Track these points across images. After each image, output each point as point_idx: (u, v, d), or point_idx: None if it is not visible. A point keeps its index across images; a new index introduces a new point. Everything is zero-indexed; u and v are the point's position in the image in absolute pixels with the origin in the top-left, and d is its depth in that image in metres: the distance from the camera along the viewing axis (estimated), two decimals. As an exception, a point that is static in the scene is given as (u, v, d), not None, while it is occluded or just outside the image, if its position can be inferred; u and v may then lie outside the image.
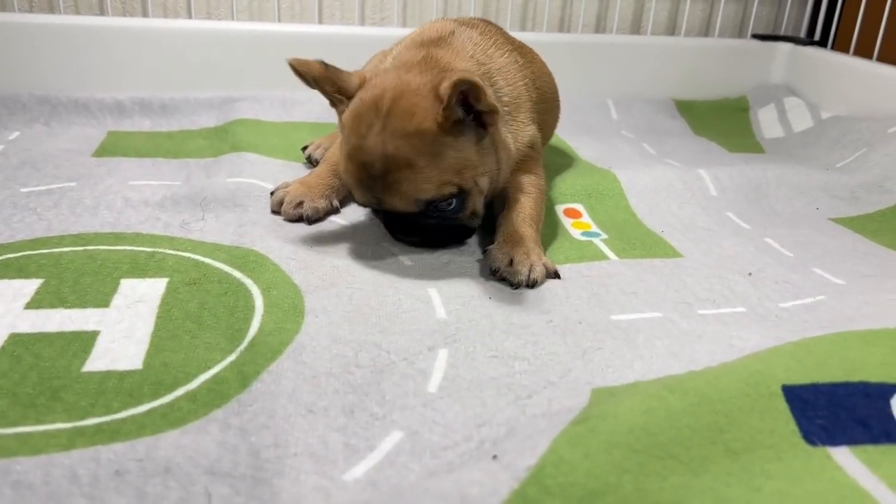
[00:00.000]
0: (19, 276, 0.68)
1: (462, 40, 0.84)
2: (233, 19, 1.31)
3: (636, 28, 1.49)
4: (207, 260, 0.74)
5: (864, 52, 1.37)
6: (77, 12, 1.29)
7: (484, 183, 0.75)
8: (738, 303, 0.71)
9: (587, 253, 0.81)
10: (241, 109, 1.19)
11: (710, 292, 0.73)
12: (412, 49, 0.81)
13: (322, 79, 0.74)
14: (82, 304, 0.65)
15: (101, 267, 0.71)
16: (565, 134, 1.22)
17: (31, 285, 0.67)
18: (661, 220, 0.92)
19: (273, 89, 1.25)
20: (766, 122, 1.35)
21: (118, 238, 0.78)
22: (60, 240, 0.76)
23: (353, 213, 0.88)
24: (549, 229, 0.87)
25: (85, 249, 0.75)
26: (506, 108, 0.83)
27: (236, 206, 0.87)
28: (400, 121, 0.69)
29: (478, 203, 0.76)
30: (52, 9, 1.28)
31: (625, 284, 0.74)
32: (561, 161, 1.10)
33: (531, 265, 0.73)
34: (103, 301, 0.65)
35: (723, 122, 1.36)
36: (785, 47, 1.45)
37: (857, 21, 1.36)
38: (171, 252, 0.76)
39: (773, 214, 0.96)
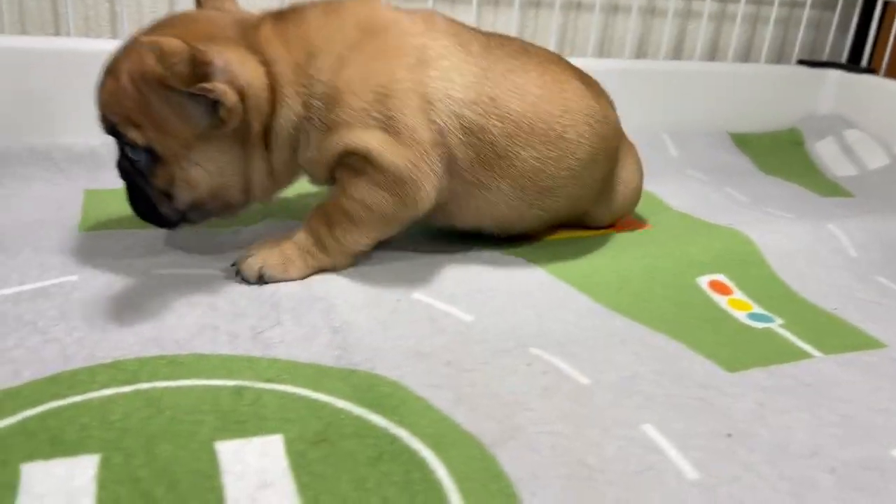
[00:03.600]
0: (58, 455, 0.44)
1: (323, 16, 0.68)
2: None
3: (678, 53, 1.35)
4: (321, 396, 0.53)
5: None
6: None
7: (195, 177, 0.65)
8: None
9: (782, 349, 0.65)
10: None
11: (964, 401, 0.58)
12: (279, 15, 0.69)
13: None
14: (181, 502, 0.42)
15: (174, 422, 0.48)
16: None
17: (82, 471, 0.43)
18: (817, 291, 0.77)
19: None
20: (830, 156, 1.23)
21: (173, 365, 0.55)
22: (92, 374, 0.53)
23: (450, 295, 0.67)
24: (704, 313, 0.70)
25: (136, 390, 0.52)
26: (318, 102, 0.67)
27: (316, 299, 0.65)
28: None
29: (181, 191, 0.66)
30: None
31: (864, 396, 0.58)
32: (660, 216, 0.92)
33: (248, 262, 0.67)
34: (210, 492, 0.43)
35: (783, 157, 1.24)
36: (834, 74, 1.34)
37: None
38: (261, 386, 0.53)
39: (921, 276, 0.83)
